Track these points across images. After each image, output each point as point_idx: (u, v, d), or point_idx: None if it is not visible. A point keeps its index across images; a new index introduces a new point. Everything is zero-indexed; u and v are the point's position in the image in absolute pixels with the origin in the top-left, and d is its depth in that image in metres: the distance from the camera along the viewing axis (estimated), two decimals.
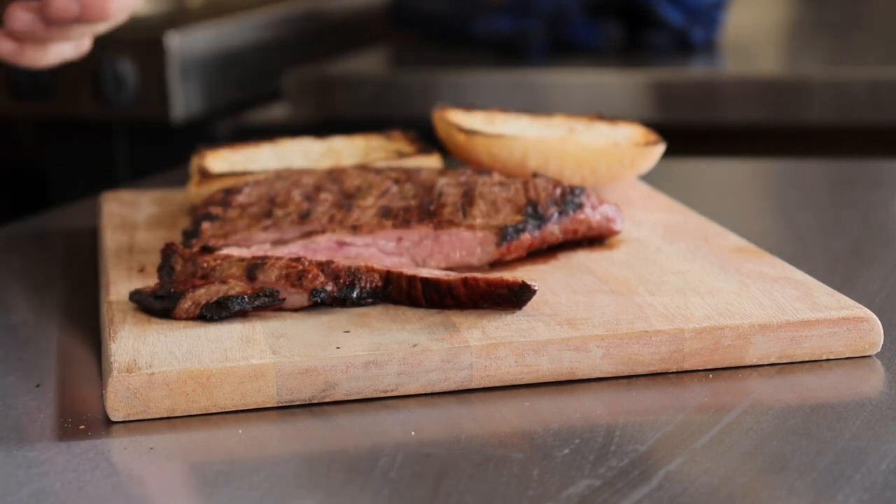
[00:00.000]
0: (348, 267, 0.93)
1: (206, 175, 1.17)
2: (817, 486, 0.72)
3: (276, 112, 2.12)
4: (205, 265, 0.94)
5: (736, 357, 0.88)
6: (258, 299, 0.90)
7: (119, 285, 0.99)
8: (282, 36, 2.26)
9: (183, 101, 2.06)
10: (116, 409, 0.81)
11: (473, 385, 0.85)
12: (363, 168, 1.12)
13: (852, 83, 1.92)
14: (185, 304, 0.90)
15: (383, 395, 0.84)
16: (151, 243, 1.09)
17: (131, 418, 0.82)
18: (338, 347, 0.85)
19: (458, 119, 1.24)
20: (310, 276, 0.91)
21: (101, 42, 2.08)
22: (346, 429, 0.81)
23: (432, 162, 1.19)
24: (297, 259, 0.93)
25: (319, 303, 0.92)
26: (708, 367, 0.87)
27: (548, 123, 1.26)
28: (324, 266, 0.93)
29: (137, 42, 2.06)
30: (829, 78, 1.93)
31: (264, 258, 0.94)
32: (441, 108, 1.25)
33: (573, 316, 0.89)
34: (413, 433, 0.80)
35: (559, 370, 0.86)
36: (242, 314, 0.90)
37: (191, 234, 1.03)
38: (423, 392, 0.84)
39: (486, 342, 0.85)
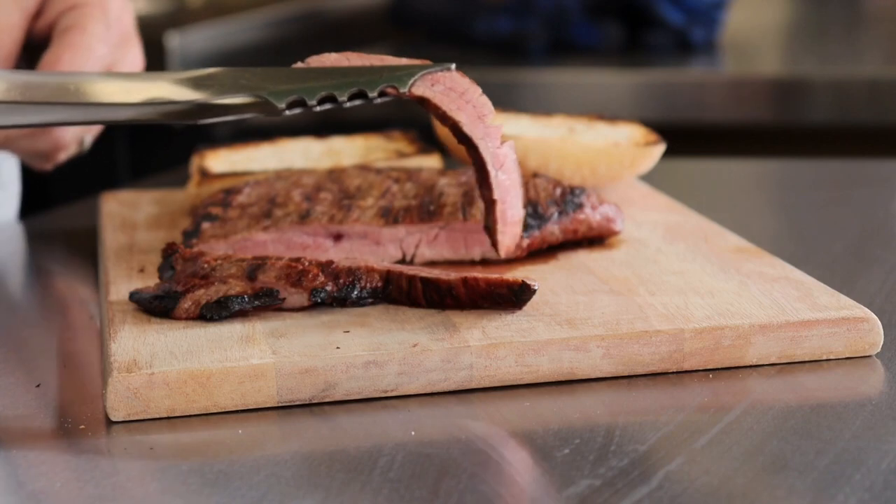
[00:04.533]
0: (348, 267, 0.93)
1: (206, 175, 1.17)
2: (817, 486, 0.72)
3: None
4: (205, 265, 0.94)
5: (736, 357, 0.87)
6: (258, 299, 0.90)
7: (119, 285, 0.99)
8: (282, 36, 2.26)
9: None
10: (116, 409, 0.81)
11: (473, 385, 0.85)
12: (363, 168, 1.12)
13: (852, 83, 1.92)
14: (185, 304, 0.90)
15: (383, 394, 0.84)
16: (151, 243, 1.09)
17: (131, 418, 0.82)
18: (338, 347, 0.85)
19: None
20: (310, 275, 0.91)
21: None
22: (346, 429, 0.81)
23: (432, 162, 1.19)
24: (297, 259, 0.93)
25: (319, 303, 0.92)
26: (708, 367, 0.87)
27: (548, 123, 1.26)
28: (324, 266, 0.93)
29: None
30: (829, 78, 1.93)
31: (264, 258, 0.94)
32: None
33: (573, 316, 0.89)
34: (413, 433, 0.80)
35: (559, 370, 0.86)
36: (242, 314, 0.90)
37: (191, 233, 1.03)
38: (423, 392, 0.84)
39: (486, 342, 0.85)
